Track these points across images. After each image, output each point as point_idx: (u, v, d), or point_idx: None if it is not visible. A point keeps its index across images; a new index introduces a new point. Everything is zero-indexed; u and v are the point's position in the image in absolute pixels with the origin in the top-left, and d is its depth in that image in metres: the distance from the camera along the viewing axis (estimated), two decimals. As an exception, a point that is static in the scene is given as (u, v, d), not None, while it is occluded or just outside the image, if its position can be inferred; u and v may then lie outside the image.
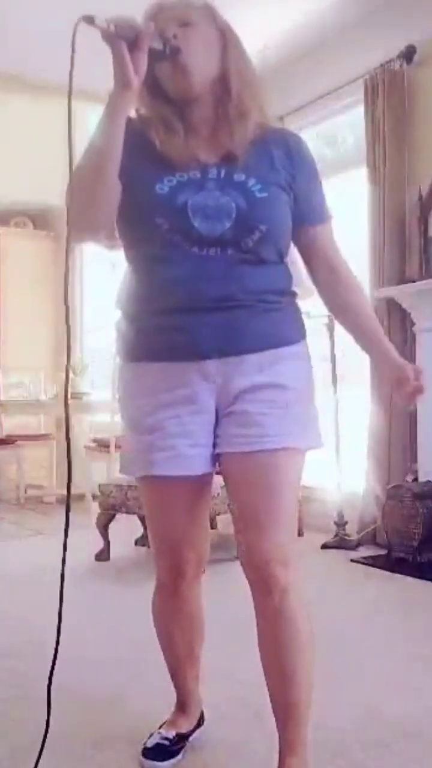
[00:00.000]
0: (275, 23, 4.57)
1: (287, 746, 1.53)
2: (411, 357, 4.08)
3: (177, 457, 1.50)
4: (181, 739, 1.81)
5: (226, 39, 1.52)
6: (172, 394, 1.50)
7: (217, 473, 1.59)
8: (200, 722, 1.89)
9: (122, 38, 1.36)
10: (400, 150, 4.19)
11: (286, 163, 1.54)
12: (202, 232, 1.44)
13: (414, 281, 4.00)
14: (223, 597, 3.08)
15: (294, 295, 1.61)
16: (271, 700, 1.57)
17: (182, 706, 1.86)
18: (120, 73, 1.38)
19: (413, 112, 4.22)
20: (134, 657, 2.43)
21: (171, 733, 1.80)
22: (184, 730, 1.83)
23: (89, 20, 1.33)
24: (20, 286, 6.48)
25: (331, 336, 4.27)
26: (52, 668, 1.45)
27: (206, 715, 1.93)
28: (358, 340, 1.65)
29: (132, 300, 1.56)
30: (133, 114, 1.53)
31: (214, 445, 1.53)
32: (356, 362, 4.40)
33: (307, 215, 1.58)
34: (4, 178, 5.82)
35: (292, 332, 1.58)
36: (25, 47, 4.85)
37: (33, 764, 1.49)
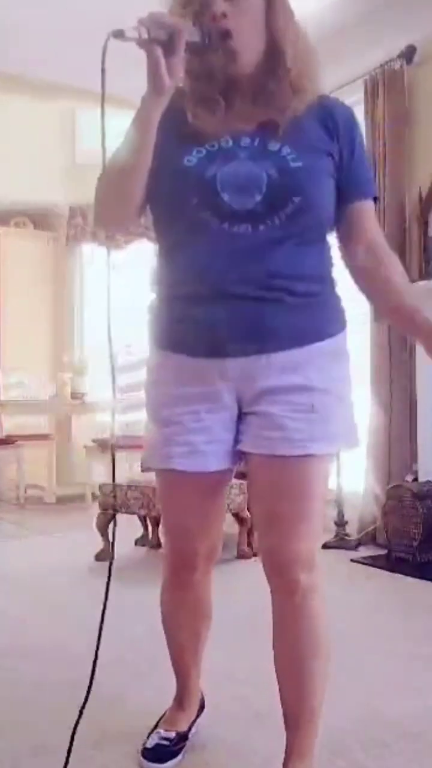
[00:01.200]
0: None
1: (296, 750, 1.51)
2: (411, 357, 4.08)
3: (193, 453, 1.46)
4: (182, 738, 1.80)
5: (271, 4, 1.39)
6: (192, 389, 1.45)
7: (241, 474, 1.58)
8: (200, 712, 1.87)
9: (157, 43, 1.28)
10: (400, 150, 4.20)
11: (332, 133, 1.43)
12: (232, 206, 1.35)
13: (414, 281, 4.00)
14: (224, 597, 3.07)
15: (334, 281, 1.50)
16: (284, 704, 1.53)
17: (180, 701, 1.84)
18: (154, 78, 1.31)
19: (413, 112, 4.22)
20: (134, 657, 2.43)
21: (171, 734, 1.79)
22: (183, 728, 1.82)
23: (119, 34, 1.26)
24: (20, 286, 6.48)
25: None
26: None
27: (207, 715, 1.93)
28: (403, 323, 1.54)
29: (163, 284, 1.50)
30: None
31: (237, 441, 1.48)
32: (356, 362, 4.40)
33: (354, 188, 1.47)
34: (4, 178, 5.83)
35: (328, 325, 1.47)
36: (25, 47, 4.85)
37: (34, 766, 1.49)
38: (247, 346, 1.40)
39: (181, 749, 1.78)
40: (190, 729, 1.84)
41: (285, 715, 1.53)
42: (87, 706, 1.51)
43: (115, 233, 1.57)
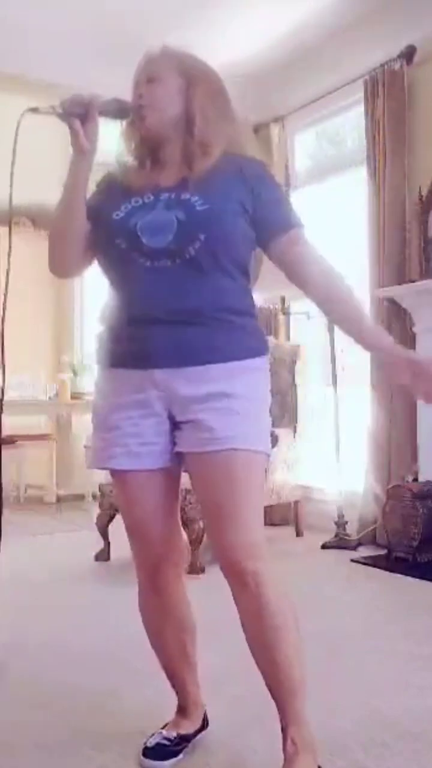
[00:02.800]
0: (276, 23, 4.57)
1: (290, 720, 1.63)
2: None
3: (129, 454, 1.66)
4: (183, 740, 1.81)
5: (191, 83, 1.70)
6: (128, 398, 1.66)
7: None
8: (203, 726, 1.89)
9: (73, 115, 1.62)
10: (400, 150, 4.19)
11: (244, 183, 1.67)
12: (149, 246, 1.61)
13: (414, 281, 4.01)
14: (220, 598, 3.07)
15: (251, 311, 1.71)
16: (266, 683, 1.66)
17: (183, 710, 1.87)
18: (75, 142, 1.65)
19: (413, 112, 4.22)
20: (134, 657, 2.42)
21: (172, 734, 1.80)
22: (186, 731, 1.83)
23: (34, 110, 1.61)
24: (20, 286, 6.46)
25: (331, 336, 4.27)
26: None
27: (206, 712, 1.93)
28: (359, 340, 1.67)
29: (107, 313, 1.75)
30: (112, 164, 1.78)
31: (174, 444, 1.66)
32: (356, 362, 4.40)
33: (273, 224, 1.68)
34: (4, 178, 5.83)
35: (246, 348, 1.66)
36: (25, 47, 4.85)
37: (23, 762, 1.48)
38: (170, 359, 1.62)
39: (181, 750, 1.79)
40: (193, 735, 1.85)
41: (270, 692, 1.66)
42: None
43: (71, 277, 1.86)
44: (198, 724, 1.87)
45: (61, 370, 6.02)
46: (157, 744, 1.78)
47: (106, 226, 1.68)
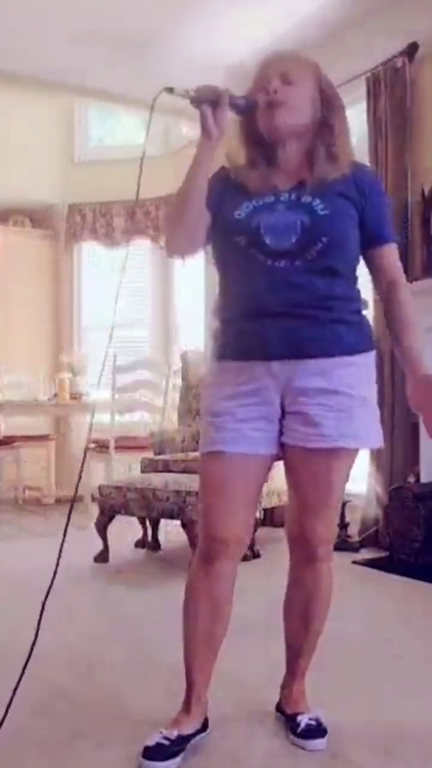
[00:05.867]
0: (277, 21, 4.54)
1: (299, 672, 1.95)
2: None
3: (242, 437, 1.76)
4: (183, 740, 1.80)
5: (330, 100, 1.81)
6: (244, 387, 1.77)
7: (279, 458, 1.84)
8: (204, 727, 1.87)
9: (205, 100, 1.68)
10: (403, 148, 4.16)
11: (357, 191, 1.78)
12: (272, 247, 1.72)
13: (416, 280, 3.97)
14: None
15: (362, 306, 1.85)
16: (293, 640, 1.94)
17: (187, 706, 1.85)
18: (204, 127, 1.70)
19: (416, 110, 4.19)
20: (134, 658, 2.41)
21: (173, 733, 1.79)
22: (186, 731, 1.82)
23: (170, 91, 1.65)
24: (19, 285, 6.44)
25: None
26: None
27: (207, 715, 1.91)
28: (399, 351, 1.84)
29: (221, 309, 1.85)
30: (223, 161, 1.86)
31: (281, 434, 1.79)
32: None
33: (376, 236, 1.82)
34: (2, 176, 5.80)
35: (356, 343, 1.79)
36: (25, 47, 4.83)
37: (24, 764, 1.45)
38: (287, 352, 1.73)
39: (180, 750, 1.77)
40: (193, 735, 1.83)
41: (292, 648, 1.95)
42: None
43: (184, 257, 1.91)
44: (198, 724, 1.86)
45: (60, 370, 5.99)
46: (157, 744, 1.76)
47: (226, 223, 1.77)
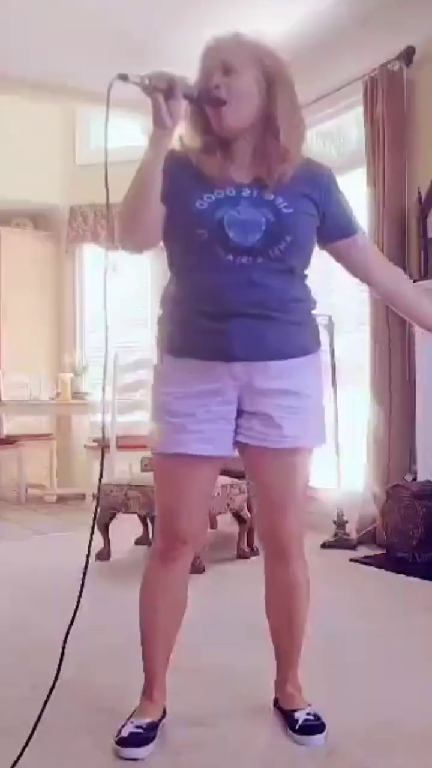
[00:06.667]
0: (274, 24, 4.57)
1: (290, 666, 1.96)
2: (410, 357, 4.10)
3: (204, 439, 1.75)
4: (154, 726, 1.84)
5: (274, 83, 1.70)
6: (204, 387, 1.74)
7: (241, 473, 1.81)
8: (164, 714, 1.91)
9: (158, 89, 1.58)
10: (400, 151, 4.20)
11: (316, 190, 1.77)
12: (236, 242, 1.67)
13: (414, 281, 4.01)
14: (223, 595, 3.08)
15: (311, 308, 1.85)
16: (279, 642, 1.95)
17: (150, 693, 1.90)
18: (157, 117, 1.61)
19: (413, 113, 4.22)
20: (135, 657, 2.43)
21: (144, 721, 1.83)
22: (153, 718, 1.86)
23: (123, 77, 1.55)
24: (20, 286, 6.48)
25: (331, 336, 4.28)
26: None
27: (206, 712, 1.95)
28: (413, 316, 1.90)
29: (176, 302, 1.79)
30: (177, 145, 1.76)
31: (236, 433, 1.78)
32: (356, 362, 4.41)
33: (344, 229, 1.84)
34: (5, 179, 5.83)
35: (310, 343, 1.82)
36: (25, 47, 4.86)
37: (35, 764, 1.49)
38: (250, 353, 1.71)
39: (154, 736, 1.81)
40: (161, 720, 1.88)
41: (279, 646, 1.96)
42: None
43: (137, 253, 1.81)
44: (161, 711, 1.90)
45: (62, 370, 6.04)
46: (131, 733, 1.80)
47: (186, 215, 1.70)
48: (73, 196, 6.32)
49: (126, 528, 4.14)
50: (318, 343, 1.86)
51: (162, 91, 1.59)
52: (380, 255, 1.96)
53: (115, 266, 5.51)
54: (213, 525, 4.32)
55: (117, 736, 1.80)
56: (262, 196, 1.70)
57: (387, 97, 4.19)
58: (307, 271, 1.84)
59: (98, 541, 3.88)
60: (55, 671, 1.62)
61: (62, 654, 1.68)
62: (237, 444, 1.81)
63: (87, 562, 1.71)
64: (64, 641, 1.69)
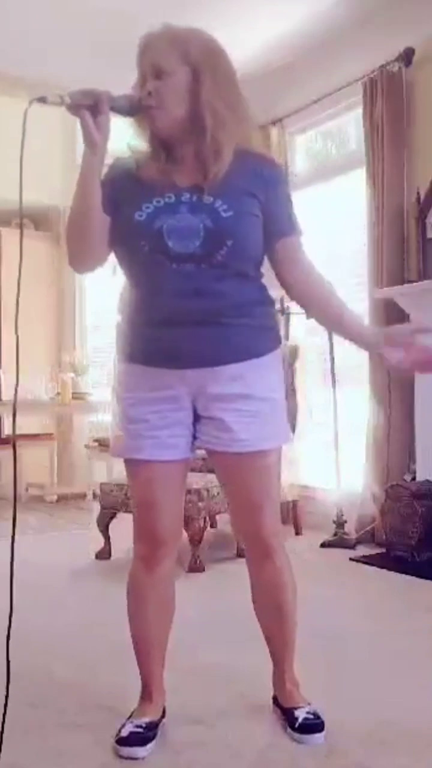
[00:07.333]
0: (274, 25, 4.59)
1: (286, 663, 1.95)
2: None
3: (159, 445, 1.76)
4: (154, 726, 1.84)
5: (199, 76, 1.65)
6: (157, 394, 1.75)
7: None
8: (163, 715, 1.91)
9: (82, 106, 1.58)
10: (399, 152, 4.21)
11: (258, 185, 1.73)
12: (176, 251, 1.65)
13: (413, 282, 4.03)
14: (222, 594, 3.08)
15: (270, 304, 1.83)
16: (271, 640, 1.95)
17: (148, 694, 1.90)
18: (86, 135, 1.61)
19: (412, 114, 4.23)
20: (135, 656, 2.44)
21: (143, 721, 1.83)
22: (152, 718, 1.86)
23: (41, 100, 1.54)
24: (22, 286, 6.47)
25: (330, 336, 4.29)
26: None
27: (206, 711, 1.96)
28: (345, 327, 1.83)
29: (128, 309, 1.80)
30: (125, 152, 1.77)
31: (194, 437, 1.80)
32: (355, 362, 4.42)
33: (278, 228, 1.78)
34: (5, 178, 5.83)
35: (265, 343, 1.79)
36: (26, 47, 4.87)
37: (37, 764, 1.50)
38: (200, 360, 1.71)
39: (154, 736, 1.82)
40: (160, 720, 1.88)
41: (271, 644, 1.95)
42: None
43: (88, 271, 1.85)
44: (161, 711, 1.90)
45: (63, 370, 6.04)
46: (131, 733, 1.81)
47: (127, 226, 1.69)
48: (72, 196, 6.29)
49: (126, 528, 4.14)
50: (277, 342, 1.83)
51: (88, 107, 1.58)
52: (314, 267, 1.83)
53: (115, 267, 5.49)
54: (213, 524, 4.33)
55: (117, 735, 1.81)
56: (201, 199, 1.66)
57: (386, 97, 4.20)
58: (262, 270, 1.80)
59: (99, 540, 3.90)
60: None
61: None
62: (199, 448, 1.83)
63: (12, 563, 1.79)
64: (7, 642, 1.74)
